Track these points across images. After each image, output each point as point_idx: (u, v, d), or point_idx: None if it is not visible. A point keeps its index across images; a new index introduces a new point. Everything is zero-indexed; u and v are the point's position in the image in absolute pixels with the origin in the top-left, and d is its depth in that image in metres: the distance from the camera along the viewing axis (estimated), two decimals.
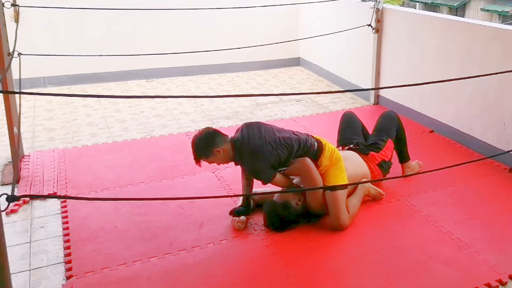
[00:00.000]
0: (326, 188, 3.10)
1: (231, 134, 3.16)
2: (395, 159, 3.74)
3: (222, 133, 3.10)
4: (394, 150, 3.71)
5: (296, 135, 3.18)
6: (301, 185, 3.19)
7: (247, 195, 3.25)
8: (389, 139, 3.64)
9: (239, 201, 3.31)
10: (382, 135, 3.66)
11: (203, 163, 3.10)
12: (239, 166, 3.17)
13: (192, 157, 3.09)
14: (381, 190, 3.46)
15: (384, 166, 3.56)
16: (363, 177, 3.39)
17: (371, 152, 3.54)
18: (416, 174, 3.75)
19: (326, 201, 3.10)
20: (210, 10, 6.21)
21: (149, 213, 3.30)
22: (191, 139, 3.10)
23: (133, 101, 5.64)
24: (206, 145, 3.02)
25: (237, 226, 3.10)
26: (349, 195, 3.24)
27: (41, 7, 4.77)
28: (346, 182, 3.18)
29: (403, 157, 3.79)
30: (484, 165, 3.94)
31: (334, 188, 3.08)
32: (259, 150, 3.01)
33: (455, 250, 2.90)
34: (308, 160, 3.09)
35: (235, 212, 3.19)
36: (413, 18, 5.11)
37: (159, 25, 6.66)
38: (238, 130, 3.15)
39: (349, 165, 3.29)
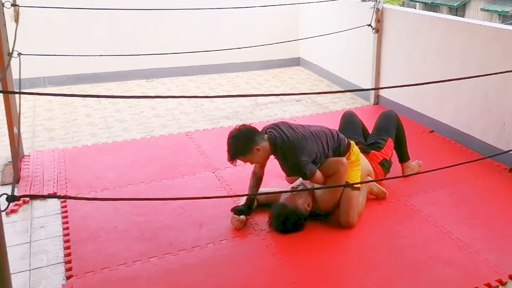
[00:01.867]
0: (348, 185, 3.10)
1: None
2: (395, 159, 3.74)
3: (259, 130, 3.00)
4: (394, 150, 3.72)
5: (324, 128, 3.19)
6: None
7: (252, 195, 3.22)
8: (389, 138, 3.65)
9: (240, 201, 3.31)
10: (382, 134, 3.67)
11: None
12: (239, 166, 3.11)
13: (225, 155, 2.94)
14: (384, 189, 3.47)
15: (386, 164, 3.58)
16: (367, 175, 3.41)
17: (372, 151, 3.56)
18: (416, 174, 3.75)
19: (341, 198, 3.10)
20: (210, 10, 6.21)
21: (149, 213, 3.30)
22: (227, 137, 2.94)
23: (133, 101, 5.64)
24: (245, 143, 2.88)
25: (235, 225, 3.09)
26: None
27: (41, 7, 4.77)
28: (359, 186, 3.19)
29: (403, 157, 3.80)
30: (484, 165, 3.94)
31: (352, 186, 3.08)
32: (300, 144, 2.96)
33: (455, 250, 2.90)
34: (345, 160, 3.10)
35: (236, 210, 3.17)
36: (413, 18, 5.11)
37: (159, 25, 6.66)
38: (265, 129, 3.08)
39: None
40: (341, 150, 3.17)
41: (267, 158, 3.06)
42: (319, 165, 3.08)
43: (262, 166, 3.19)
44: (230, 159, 2.93)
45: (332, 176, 3.08)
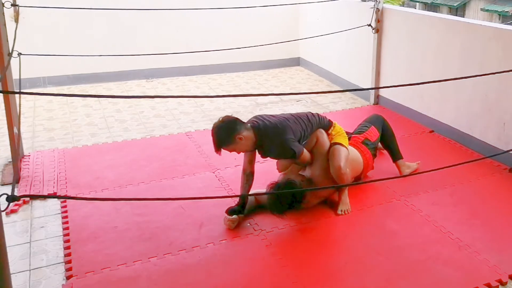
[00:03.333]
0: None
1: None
2: (388, 159, 3.75)
3: (242, 121, 3.11)
4: (385, 148, 3.85)
5: (303, 112, 3.40)
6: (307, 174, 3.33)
7: (244, 195, 3.24)
8: (372, 126, 3.79)
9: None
10: (364, 124, 3.87)
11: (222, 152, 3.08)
12: (239, 166, 3.15)
13: (212, 147, 3.05)
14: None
15: (369, 144, 3.68)
16: (355, 159, 3.51)
17: (353, 135, 3.74)
18: (416, 174, 3.75)
19: (329, 153, 3.28)
20: (210, 10, 6.22)
21: (149, 213, 3.30)
22: (211, 128, 3.06)
23: (133, 101, 5.64)
24: (227, 132, 3.00)
25: (227, 225, 3.11)
26: None
27: (41, 7, 4.76)
28: (348, 149, 3.38)
29: (395, 156, 3.82)
30: (484, 165, 3.94)
31: (341, 144, 3.33)
32: (283, 124, 3.12)
33: (455, 250, 2.90)
34: (321, 129, 3.36)
35: (229, 211, 3.20)
36: (413, 18, 5.11)
37: (159, 25, 6.66)
38: (248, 121, 3.21)
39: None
40: (325, 124, 3.39)
41: (252, 147, 3.13)
42: (304, 142, 3.27)
43: (250, 162, 3.24)
44: (216, 150, 3.05)
45: (316, 145, 3.30)
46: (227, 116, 3.09)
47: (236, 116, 3.14)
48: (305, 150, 3.21)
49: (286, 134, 3.09)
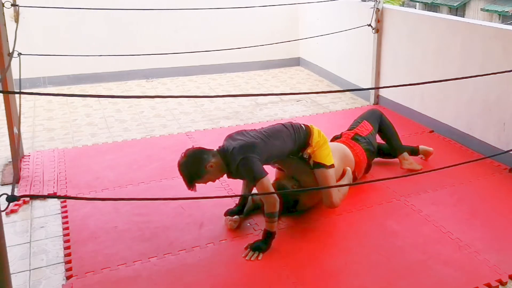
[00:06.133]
0: (314, 167, 3.14)
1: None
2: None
3: (207, 148, 2.95)
4: (373, 132, 3.78)
5: (277, 125, 3.21)
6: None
7: (244, 195, 3.25)
8: (364, 121, 3.77)
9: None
10: (358, 119, 3.84)
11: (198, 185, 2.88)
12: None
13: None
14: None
15: (359, 139, 3.65)
16: (343, 156, 3.44)
17: (343, 132, 3.72)
18: (416, 174, 3.75)
19: (317, 180, 3.14)
20: (210, 10, 6.22)
21: (149, 213, 3.30)
22: (177, 166, 2.85)
23: (133, 101, 5.64)
24: (196, 165, 2.82)
25: (229, 225, 3.11)
26: (338, 180, 3.34)
27: (41, 7, 4.77)
28: (333, 163, 3.21)
29: (396, 150, 3.83)
30: (484, 165, 3.94)
31: (326, 166, 3.14)
32: (248, 143, 2.90)
33: (455, 250, 2.90)
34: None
35: (228, 212, 3.20)
36: (413, 18, 5.11)
37: (159, 25, 6.66)
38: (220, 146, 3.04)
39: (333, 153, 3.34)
40: (302, 137, 3.15)
41: (224, 171, 2.95)
42: (275, 160, 3.13)
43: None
44: (189, 187, 2.84)
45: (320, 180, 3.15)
46: (190, 149, 2.91)
47: (199, 146, 2.99)
48: (266, 180, 2.82)
49: (249, 152, 2.85)
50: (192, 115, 5.32)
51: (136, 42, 6.53)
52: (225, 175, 3.00)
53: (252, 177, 2.84)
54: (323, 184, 3.10)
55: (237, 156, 2.85)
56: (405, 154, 3.82)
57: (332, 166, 3.18)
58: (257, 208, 3.27)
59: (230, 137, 3.05)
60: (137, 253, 2.88)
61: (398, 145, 3.83)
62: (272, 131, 3.10)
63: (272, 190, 2.90)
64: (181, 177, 2.86)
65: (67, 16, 6.01)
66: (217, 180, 3.73)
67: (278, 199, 2.87)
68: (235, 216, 3.15)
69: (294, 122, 3.27)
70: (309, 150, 3.16)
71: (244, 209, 3.24)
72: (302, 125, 3.23)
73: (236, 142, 2.93)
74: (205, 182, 2.92)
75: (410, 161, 3.82)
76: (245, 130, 3.12)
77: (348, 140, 3.63)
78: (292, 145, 3.11)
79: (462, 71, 4.26)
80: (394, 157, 3.85)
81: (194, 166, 2.83)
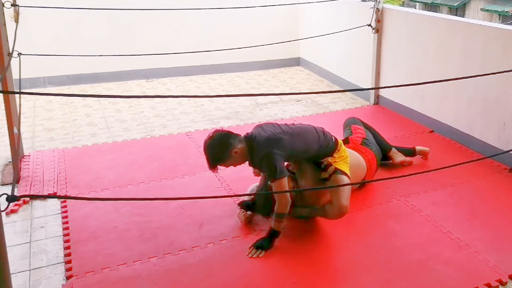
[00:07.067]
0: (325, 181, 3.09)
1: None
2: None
3: (234, 133, 2.93)
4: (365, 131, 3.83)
5: (310, 125, 3.16)
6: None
7: (252, 194, 3.23)
8: (351, 125, 3.84)
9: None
10: (346, 128, 3.90)
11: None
12: (239, 166, 3.07)
13: (205, 162, 2.86)
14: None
15: (367, 143, 3.65)
16: (358, 164, 3.39)
17: (348, 137, 3.70)
18: (416, 174, 3.73)
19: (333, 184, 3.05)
20: (210, 10, 6.21)
21: (149, 213, 3.30)
22: (203, 146, 2.87)
23: (133, 101, 5.64)
24: (222, 148, 2.80)
25: (241, 218, 3.12)
26: None
27: (41, 7, 4.77)
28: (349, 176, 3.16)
29: (384, 148, 3.86)
30: (484, 165, 3.94)
31: (343, 172, 3.09)
32: (276, 137, 2.87)
33: (455, 250, 2.90)
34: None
35: (244, 205, 3.18)
36: (413, 18, 5.11)
37: (159, 25, 6.66)
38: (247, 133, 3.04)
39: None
40: (329, 148, 3.11)
41: (247, 159, 2.94)
42: (294, 160, 3.09)
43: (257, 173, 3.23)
44: (211, 167, 2.86)
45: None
46: (217, 131, 2.91)
47: (227, 129, 2.99)
48: (284, 181, 2.83)
49: (275, 147, 2.82)
50: (192, 115, 5.32)
51: (136, 42, 6.53)
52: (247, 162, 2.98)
53: (273, 174, 2.82)
54: (335, 191, 2.99)
55: (262, 149, 2.83)
56: (394, 149, 3.88)
57: (347, 175, 3.12)
58: (268, 206, 3.16)
59: (259, 126, 3.02)
60: (137, 253, 2.88)
61: (384, 143, 3.88)
62: (302, 130, 3.06)
63: (285, 186, 2.88)
64: (205, 157, 2.87)
65: (67, 16, 6.01)
66: (217, 180, 3.76)
67: (290, 201, 2.88)
68: (249, 212, 3.14)
69: (326, 130, 3.19)
70: (330, 159, 3.10)
71: (254, 206, 3.21)
72: (333, 137, 3.17)
73: (265, 133, 2.90)
74: (227, 166, 2.93)
75: (400, 154, 3.88)
76: (276, 123, 3.07)
77: (358, 146, 3.58)
78: (316, 150, 3.05)
79: (462, 71, 4.26)
80: (385, 155, 3.85)
81: (220, 150, 2.82)
